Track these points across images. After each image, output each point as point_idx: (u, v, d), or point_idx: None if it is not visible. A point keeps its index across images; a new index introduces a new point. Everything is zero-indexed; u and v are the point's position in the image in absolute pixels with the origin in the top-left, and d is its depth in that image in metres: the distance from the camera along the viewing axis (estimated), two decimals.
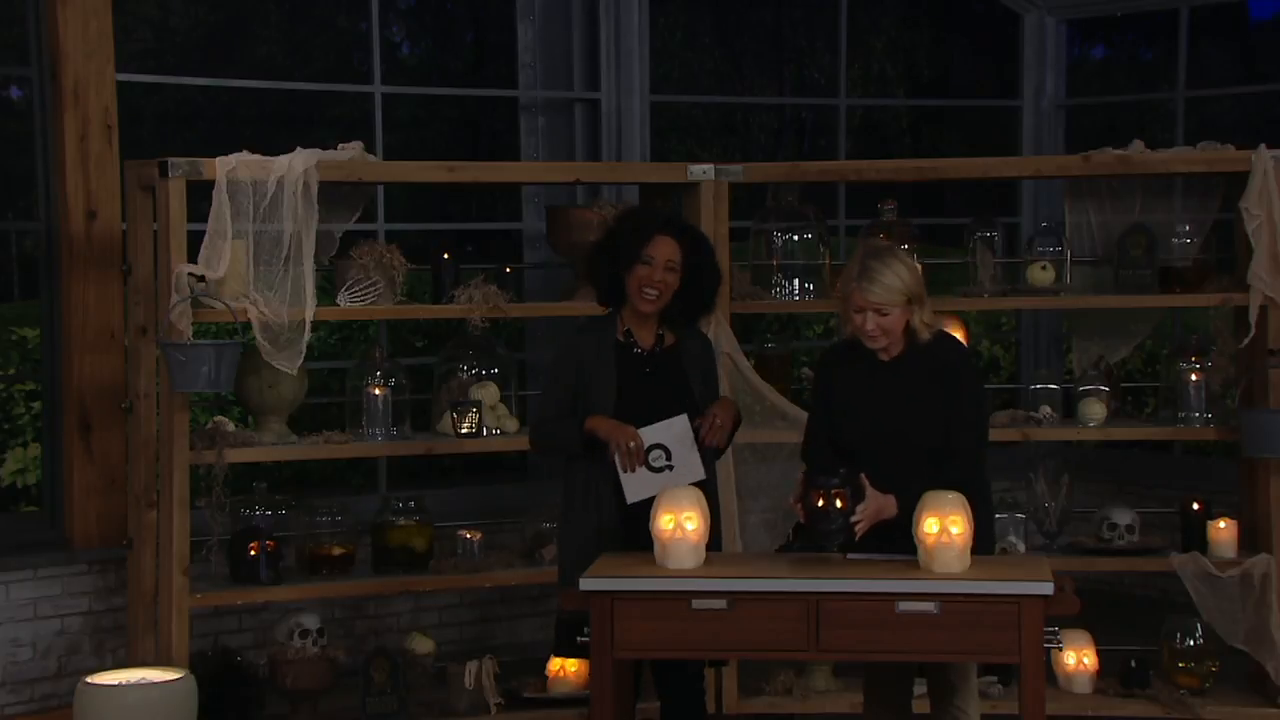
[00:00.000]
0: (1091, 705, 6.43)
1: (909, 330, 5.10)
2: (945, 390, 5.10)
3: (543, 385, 5.57)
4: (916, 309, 5.10)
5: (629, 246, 5.29)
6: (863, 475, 4.94)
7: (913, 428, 5.05)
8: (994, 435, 6.76)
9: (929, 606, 4.78)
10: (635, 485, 5.20)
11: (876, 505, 4.94)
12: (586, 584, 4.90)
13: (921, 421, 5.05)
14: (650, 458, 5.23)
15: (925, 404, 5.07)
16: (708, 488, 5.27)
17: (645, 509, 5.13)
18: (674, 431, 5.29)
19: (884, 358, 5.10)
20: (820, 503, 4.89)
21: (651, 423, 5.24)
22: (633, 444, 5.20)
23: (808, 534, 4.94)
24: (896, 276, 5.03)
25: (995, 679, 6.38)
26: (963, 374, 5.16)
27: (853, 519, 4.89)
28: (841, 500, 4.88)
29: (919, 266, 5.22)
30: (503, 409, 6.54)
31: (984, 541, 5.03)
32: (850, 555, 4.97)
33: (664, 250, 5.28)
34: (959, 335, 6.74)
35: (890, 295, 5.02)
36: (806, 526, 4.95)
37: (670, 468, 5.22)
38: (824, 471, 4.94)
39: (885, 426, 5.06)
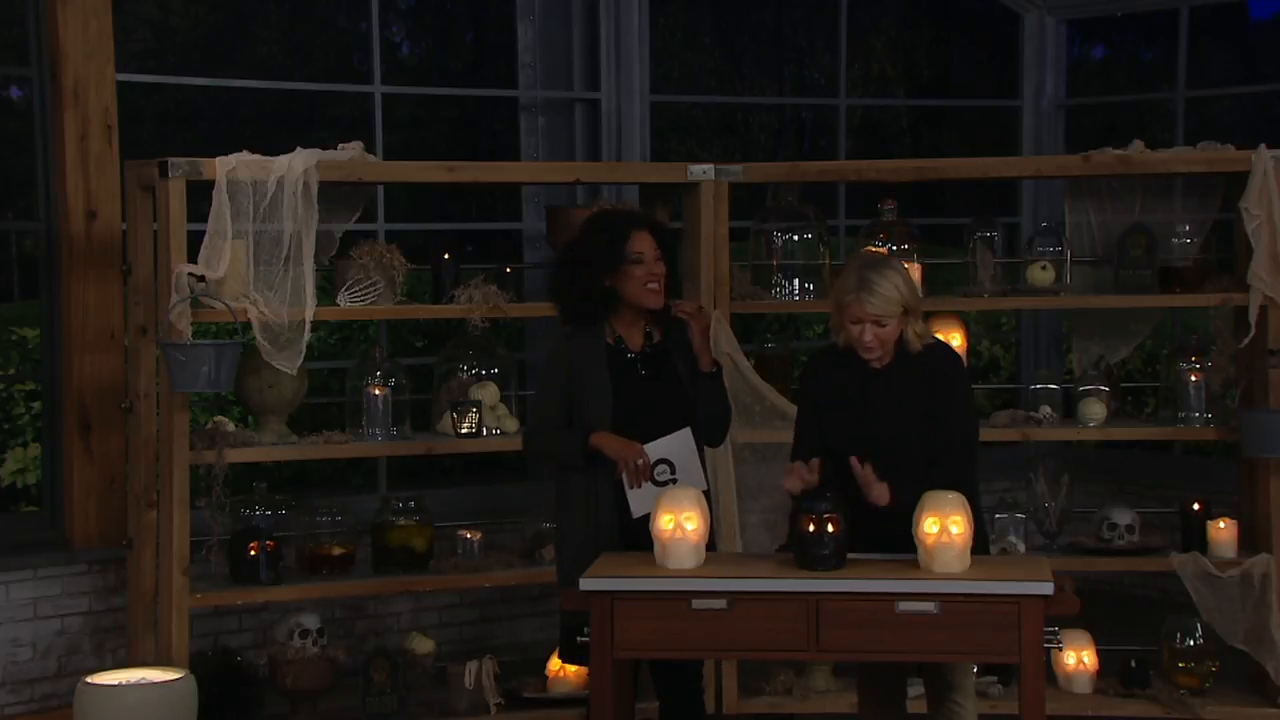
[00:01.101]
0: (1091, 705, 6.43)
1: (901, 340, 5.11)
2: (935, 393, 5.10)
3: (535, 394, 5.57)
4: (911, 319, 5.11)
5: (615, 250, 5.26)
6: (854, 460, 4.94)
7: (906, 435, 5.06)
8: (994, 435, 6.78)
9: (929, 606, 4.78)
10: (641, 500, 5.21)
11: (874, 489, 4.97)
12: (586, 584, 4.90)
13: (914, 428, 5.06)
14: (655, 472, 5.24)
15: (918, 411, 5.08)
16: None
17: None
18: (678, 444, 5.30)
19: (876, 366, 5.10)
20: (811, 528, 4.89)
21: (651, 427, 5.24)
22: (639, 461, 5.20)
23: (798, 556, 4.93)
24: (894, 288, 5.03)
25: (995, 679, 6.38)
26: (953, 377, 5.17)
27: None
28: (833, 525, 4.88)
29: (916, 273, 5.24)
30: (503, 409, 6.54)
31: (979, 542, 5.03)
32: (850, 555, 4.98)
33: (648, 243, 5.29)
34: (959, 336, 6.75)
35: (889, 307, 5.03)
36: (795, 548, 4.94)
37: (674, 480, 5.22)
38: (813, 495, 4.94)
39: (878, 434, 5.06)
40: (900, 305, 5.04)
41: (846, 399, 5.13)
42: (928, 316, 6.39)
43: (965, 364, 5.77)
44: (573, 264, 5.33)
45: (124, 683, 5.57)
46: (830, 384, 5.19)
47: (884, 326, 5.05)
